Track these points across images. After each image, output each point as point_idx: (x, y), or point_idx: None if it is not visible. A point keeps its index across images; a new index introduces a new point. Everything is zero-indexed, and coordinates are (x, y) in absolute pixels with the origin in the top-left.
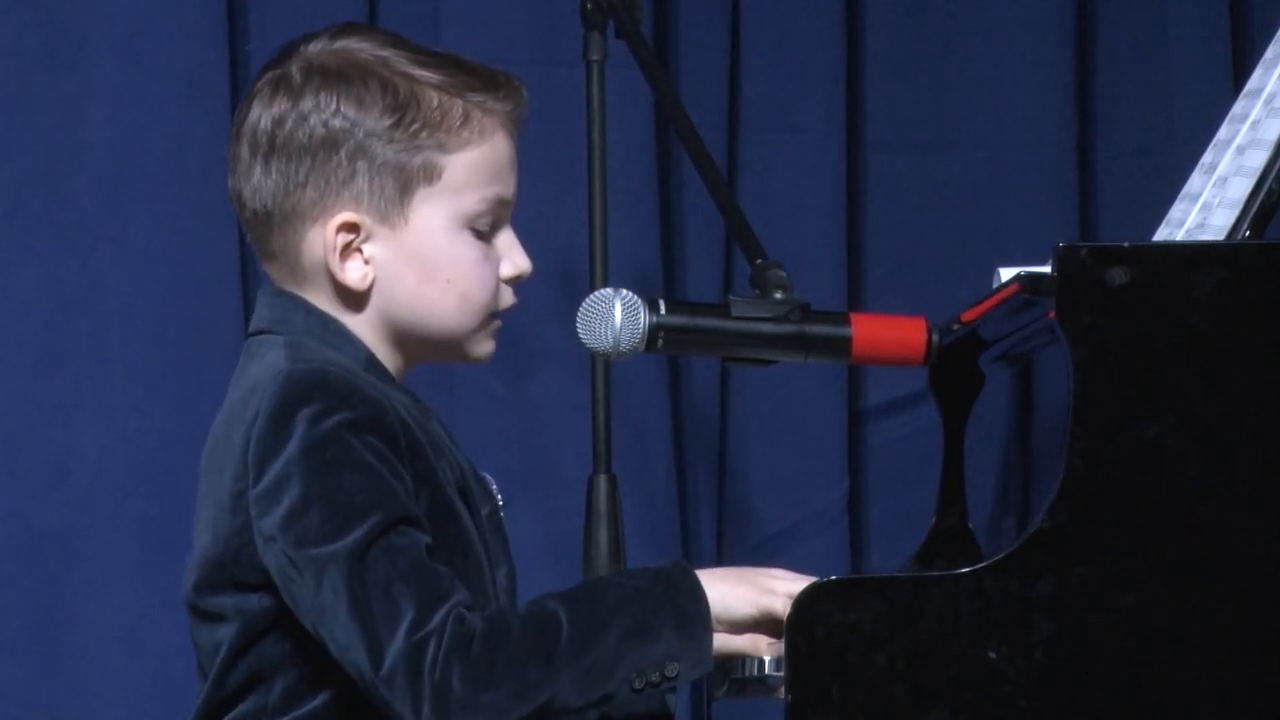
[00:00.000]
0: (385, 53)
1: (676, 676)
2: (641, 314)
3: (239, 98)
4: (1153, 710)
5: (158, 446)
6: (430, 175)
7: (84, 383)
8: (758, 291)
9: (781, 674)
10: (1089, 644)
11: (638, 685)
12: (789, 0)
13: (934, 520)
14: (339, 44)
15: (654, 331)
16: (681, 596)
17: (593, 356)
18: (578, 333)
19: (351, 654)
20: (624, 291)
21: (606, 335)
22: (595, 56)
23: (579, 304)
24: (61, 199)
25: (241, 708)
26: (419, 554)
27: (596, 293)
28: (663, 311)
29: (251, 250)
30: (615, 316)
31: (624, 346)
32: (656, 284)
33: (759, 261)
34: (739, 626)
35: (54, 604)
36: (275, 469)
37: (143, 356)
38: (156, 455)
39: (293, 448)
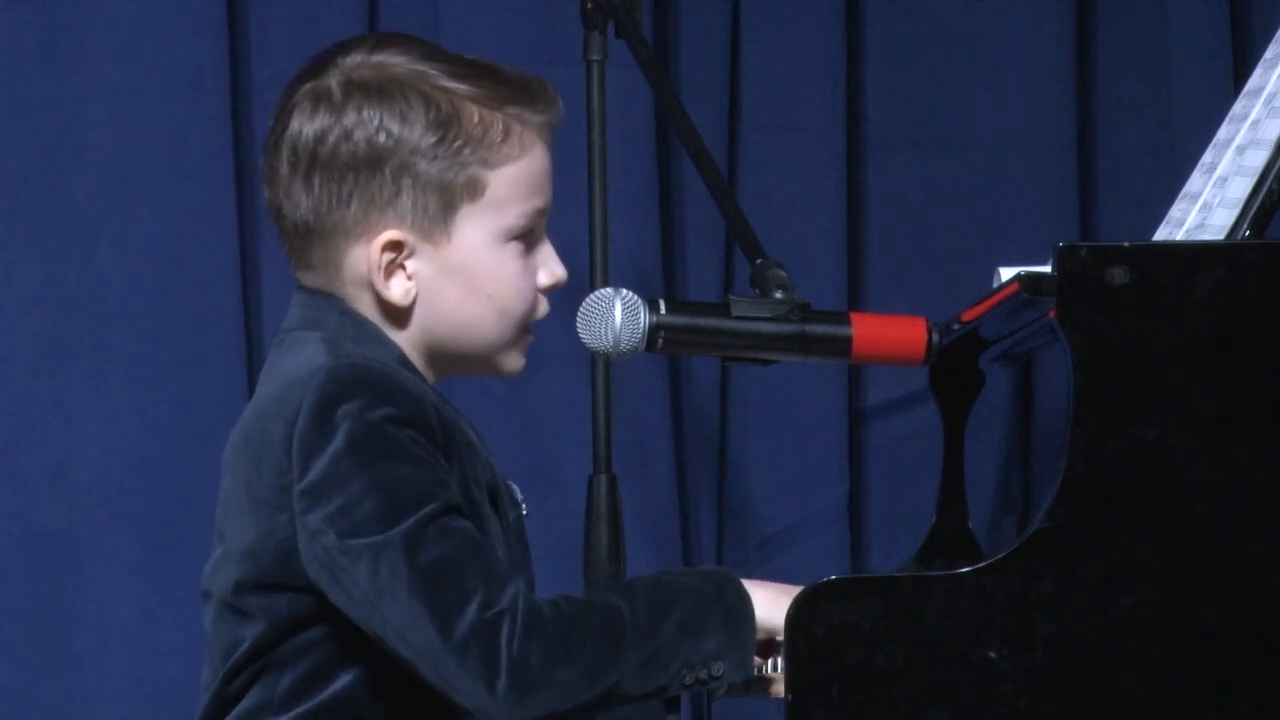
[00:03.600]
0: (423, 66)
1: (721, 675)
2: (641, 314)
3: (239, 98)
4: (1153, 710)
5: (158, 446)
6: (474, 192)
7: (84, 383)
8: (758, 291)
9: (781, 674)
10: (1089, 644)
11: (688, 680)
12: (789, 0)
13: (934, 520)
14: (377, 57)
15: (654, 331)
16: (729, 596)
17: (593, 356)
18: (578, 333)
19: (413, 633)
20: (624, 291)
21: (606, 335)
22: (595, 56)
23: (579, 304)
24: (61, 199)
25: (245, 703)
26: (475, 536)
27: (596, 293)
28: (663, 311)
29: (251, 250)
30: (615, 316)
31: (624, 346)
32: (656, 284)
33: (759, 261)
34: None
35: (54, 604)
36: (321, 464)
37: (143, 356)
38: (156, 455)
39: (339, 443)
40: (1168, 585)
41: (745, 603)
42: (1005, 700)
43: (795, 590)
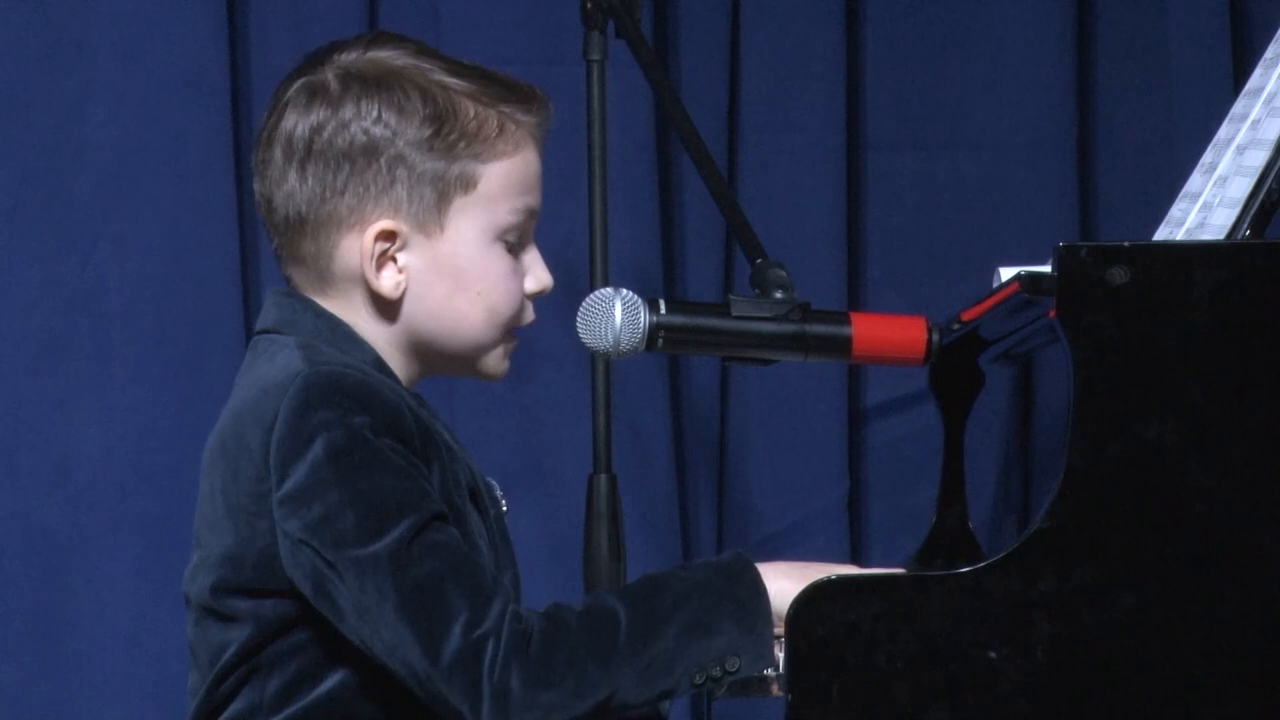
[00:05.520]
0: (420, 61)
1: (738, 670)
2: (641, 314)
3: (239, 98)
4: (1153, 710)
5: (158, 446)
6: (467, 185)
7: (84, 383)
8: (758, 291)
9: (781, 674)
10: (1089, 644)
11: (698, 680)
12: (789, 0)
13: (934, 520)
14: (372, 53)
15: (654, 331)
16: (742, 590)
17: (593, 356)
18: (578, 332)
19: (402, 653)
20: (624, 291)
21: (606, 335)
22: (595, 56)
23: (579, 304)
24: (61, 199)
25: (235, 706)
26: (460, 548)
27: (596, 292)
28: (663, 311)
29: (251, 250)
30: (615, 316)
31: (624, 346)
32: (656, 284)
33: (759, 261)
34: None
35: (54, 604)
36: (300, 472)
37: (143, 356)
38: (157, 455)
39: (318, 451)
40: (1168, 585)
41: (760, 595)
42: (1005, 700)
43: (817, 571)
